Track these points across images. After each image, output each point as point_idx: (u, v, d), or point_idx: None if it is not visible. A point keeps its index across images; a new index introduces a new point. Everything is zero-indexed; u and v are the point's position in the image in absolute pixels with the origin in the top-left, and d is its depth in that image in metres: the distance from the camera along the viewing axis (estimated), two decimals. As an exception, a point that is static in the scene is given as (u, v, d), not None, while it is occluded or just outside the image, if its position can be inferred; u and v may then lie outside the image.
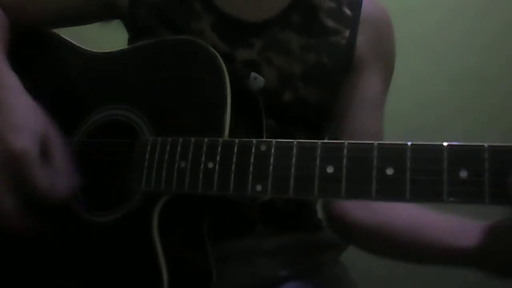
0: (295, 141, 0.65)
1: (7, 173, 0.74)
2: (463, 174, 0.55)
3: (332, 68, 0.92)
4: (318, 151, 0.63)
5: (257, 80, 0.86)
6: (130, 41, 0.99)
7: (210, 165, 0.70)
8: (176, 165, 0.72)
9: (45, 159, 0.75)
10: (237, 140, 0.69)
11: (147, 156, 0.75)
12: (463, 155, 0.56)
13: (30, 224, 0.77)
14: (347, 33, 0.93)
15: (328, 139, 0.98)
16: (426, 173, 0.57)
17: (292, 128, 0.92)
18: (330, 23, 0.93)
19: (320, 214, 1.03)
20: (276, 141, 0.67)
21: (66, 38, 0.96)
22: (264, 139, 0.68)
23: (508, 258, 0.67)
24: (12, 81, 0.83)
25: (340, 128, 0.95)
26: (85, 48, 0.93)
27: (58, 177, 0.76)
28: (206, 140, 0.71)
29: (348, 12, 0.95)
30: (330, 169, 0.62)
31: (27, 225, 0.76)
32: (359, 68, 0.95)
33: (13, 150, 0.72)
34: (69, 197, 0.77)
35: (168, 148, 0.74)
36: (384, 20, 0.98)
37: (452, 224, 0.76)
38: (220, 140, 0.70)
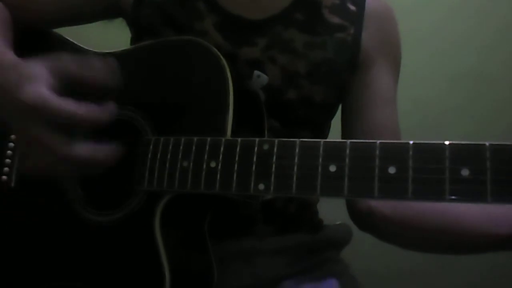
0: (297, 140, 0.65)
1: (38, 126, 0.68)
2: (465, 172, 0.55)
3: (339, 64, 0.92)
4: (321, 150, 0.63)
5: (260, 78, 0.87)
6: (133, 40, 0.99)
7: (213, 164, 0.70)
8: (179, 164, 0.72)
9: (70, 89, 0.69)
10: (239, 139, 0.69)
11: (150, 156, 0.75)
12: (465, 154, 0.56)
13: (102, 152, 0.70)
14: (352, 29, 0.94)
15: (342, 137, 0.99)
16: (428, 172, 0.57)
17: (295, 127, 0.92)
18: (334, 19, 0.93)
19: (320, 214, 1.03)
20: (278, 140, 0.67)
21: (67, 38, 0.96)
22: (266, 138, 0.68)
23: None
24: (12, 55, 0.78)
25: (355, 125, 0.96)
26: (87, 48, 0.93)
27: (91, 111, 0.69)
28: (208, 139, 0.71)
29: (352, 8, 0.95)
30: (332, 168, 0.62)
31: (98, 155, 0.70)
32: (367, 64, 0.95)
33: (29, 104, 0.67)
34: (112, 115, 0.70)
35: (170, 147, 0.74)
36: (388, 15, 0.99)
37: (490, 211, 0.77)
38: (223, 139, 0.71)
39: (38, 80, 0.68)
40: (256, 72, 0.87)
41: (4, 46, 0.83)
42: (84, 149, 0.69)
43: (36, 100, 0.67)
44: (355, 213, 0.96)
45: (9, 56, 0.78)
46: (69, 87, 0.70)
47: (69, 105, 0.67)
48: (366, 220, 0.93)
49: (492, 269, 1.57)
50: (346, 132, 0.98)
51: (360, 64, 0.95)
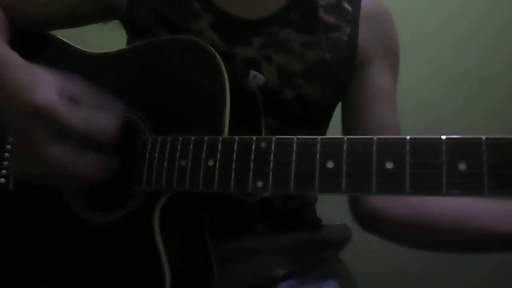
0: (295, 137, 0.66)
1: (40, 130, 0.69)
2: (462, 166, 0.55)
3: (334, 64, 0.92)
4: (318, 147, 0.63)
5: (256, 78, 0.86)
6: (129, 41, 0.99)
7: (211, 163, 0.70)
8: (177, 163, 0.72)
9: (74, 103, 0.71)
10: (237, 138, 0.69)
11: (148, 156, 0.75)
12: (462, 148, 0.56)
13: (92, 164, 0.72)
14: (348, 29, 0.94)
15: (343, 134, 0.99)
16: (426, 167, 0.57)
17: (292, 126, 0.92)
18: (330, 19, 0.93)
19: (320, 214, 1.03)
20: (276, 138, 0.67)
21: (63, 39, 0.96)
22: (264, 136, 0.68)
23: None
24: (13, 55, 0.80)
25: (356, 123, 0.96)
26: (83, 49, 0.93)
27: (95, 114, 0.71)
28: (206, 138, 0.71)
29: (348, 7, 0.95)
30: (330, 165, 0.62)
31: (88, 166, 0.72)
32: (365, 63, 0.95)
33: (37, 105, 0.68)
34: (114, 132, 0.72)
35: (168, 147, 0.74)
36: (384, 13, 0.99)
37: (500, 210, 0.77)
38: (220, 138, 0.71)
39: (50, 85, 0.70)
40: (253, 72, 0.87)
41: (10, 49, 0.83)
42: (79, 165, 0.71)
43: (47, 103, 0.68)
44: (358, 213, 0.95)
45: (19, 58, 0.79)
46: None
47: (75, 118, 0.69)
48: (374, 222, 0.93)
49: (492, 269, 1.56)
50: (347, 130, 0.99)
51: (358, 63, 0.95)
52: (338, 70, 0.93)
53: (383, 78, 0.96)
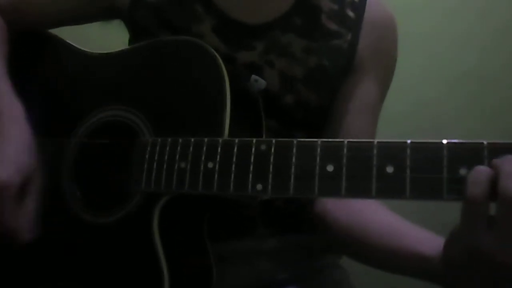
0: (294, 140, 0.65)
1: None
2: (463, 171, 0.55)
3: (333, 71, 0.92)
4: (318, 150, 0.63)
5: (258, 82, 0.86)
6: (131, 41, 0.99)
7: (210, 165, 0.70)
8: (176, 165, 0.72)
9: (20, 196, 0.77)
10: (237, 140, 0.69)
11: (147, 157, 0.75)
12: (463, 153, 0.56)
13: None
14: (349, 36, 0.93)
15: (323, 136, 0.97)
16: (426, 171, 0.57)
17: (293, 129, 0.92)
18: (332, 26, 0.92)
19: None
20: (276, 141, 0.67)
21: (65, 39, 0.96)
22: (264, 139, 0.68)
23: (460, 269, 0.59)
24: (11, 106, 0.84)
25: (335, 128, 0.94)
26: (84, 49, 0.93)
27: (23, 221, 0.77)
28: (206, 140, 0.71)
29: (351, 14, 0.93)
30: (330, 168, 0.62)
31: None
32: (359, 71, 0.94)
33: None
34: (24, 242, 0.78)
35: (168, 148, 0.74)
36: (388, 23, 0.97)
37: (418, 233, 0.73)
38: (220, 140, 0.70)
39: (15, 168, 0.76)
40: (254, 77, 0.87)
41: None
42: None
43: (3, 186, 0.75)
44: (313, 213, 0.91)
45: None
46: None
47: (6, 214, 0.75)
48: (320, 222, 0.90)
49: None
50: (327, 134, 0.95)
51: (353, 70, 0.93)
52: (336, 76, 0.93)
53: (371, 90, 0.95)
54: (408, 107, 1.76)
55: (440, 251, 0.63)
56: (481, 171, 0.54)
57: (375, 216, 0.81)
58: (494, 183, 0.53)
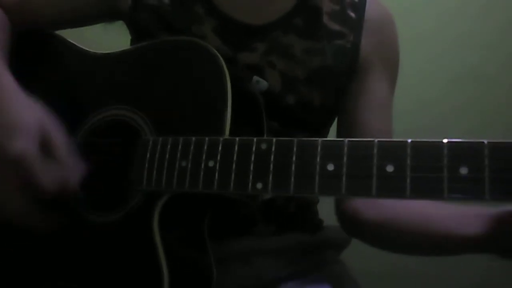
0: (295, 139, 0.65)
1: (11, 176, 0.74)
2: (463, 170, 0.55)
3: (338, 71, 0.92)
4: (319, 149, 0.63)
5: (259, 83, 0.86)
6: (132, 42, 0.99)
7: (211, 163, 0.70)
8: (177, 164, 0.72)
9: (46, 154, 0.74)
10: (237, 139, 0.69)
11: (148, 156, 0.75)
12: (463, 152, 0.56)
13: (40, 221, 0.78)
14: (351, 36, 0.93)
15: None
16: (427, 170, 0.57)
17: (294, 130, 0.92)
18: (334, 26, 0.93)
19: (320, 214, 1.03)
20: (276, 139, 0.67)
21: (67, 39, 0.96)
22: (264, 138, 0.68)
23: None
24: (6, 81, 0.82)
25: (350, 129, 0.96)
26: (86, 49, 0.93)
27: (61, 172, 0.74)
28: (207, 139, 0.71)
29: (352, 14, 0.94)
30: (330, 167, 0.62)
31: (37, 223, 0.78)
32: (365, 71, 0.95)
33: (11, 155, 0.72)
34: (76, 190, 0.76)
35: (169, 147, 0.74)
36: (387, 22, 0.98)
37: (458, 213, 0.77)
38: (221, 138, 0.71)
39: (29, 134, 0.74)
40: (255, 78, 0.87)
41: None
42: (30, 220, 0.77)
43: (23, 155, 0.72)
44: (342, 217, 0.95)
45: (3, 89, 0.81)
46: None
47: (46, 177, 0.73)
48: (352, 224, 0.93)
49: (492, 269, 1.56)
50: (341, 134, 0.98)
51: (358, 70, 0.94)
52: (340, 77, 0.93)
53: (380, 87, 0.96)
54: (408, 107, 1.76)
55: (486, 228, 0.71)
56: None
57: (408, 204, 0.83)
58: None
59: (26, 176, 0.73)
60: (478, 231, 0.72)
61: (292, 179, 0.64)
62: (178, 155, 0.73)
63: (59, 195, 0.74)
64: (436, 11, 1.88)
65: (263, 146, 0.67)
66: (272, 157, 0.66)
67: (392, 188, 0.58)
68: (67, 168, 0.75)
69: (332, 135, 1.00)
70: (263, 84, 0.87)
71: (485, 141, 0.55)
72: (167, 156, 0.74)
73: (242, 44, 0.90)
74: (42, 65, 0.95)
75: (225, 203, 0.78)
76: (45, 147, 0.74)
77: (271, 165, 0.66)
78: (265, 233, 0.93)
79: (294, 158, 0.64)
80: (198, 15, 0.91)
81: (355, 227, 0.93)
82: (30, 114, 0.77)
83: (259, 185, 0.66)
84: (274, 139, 0.67)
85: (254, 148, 0.67)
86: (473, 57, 1.87)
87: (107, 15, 0.98)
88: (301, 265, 0.94)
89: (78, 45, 0.95)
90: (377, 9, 0.97)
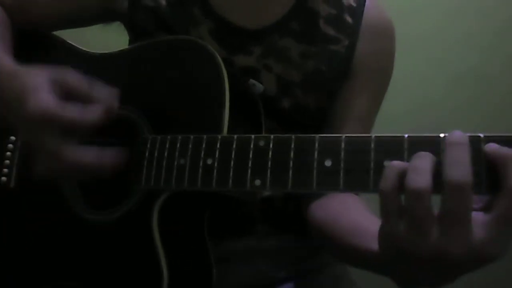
0: (293, 135, 0.66)
1: (48, 134, 0.70)
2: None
3: (330, 76, 0.91)
4: (316, 145, 0.63)
5: (255, 86, 0.86)
6: (131, 43, 0.99)
7: (209, 161, 0.70)
8: (176, 162, 0.73)
9: (68, 98, 0.71)
10: (235, 136, 0.69)
11: (147, 154, 0.76)
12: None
13: (98, 158, 0.72)
14: (346, 41, 0.92)
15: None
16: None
17: (291, 131, 0.91)
18: (330, 31, 0.92)
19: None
20: (274, 136, 0.67)
21: (65, 39, 0.97)
22: (262, 135, 0.68)
23: (393, 260, 0.58)
24: (7, 61, 0.81)
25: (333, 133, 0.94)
26: (85, 49, 0.93)
27: (91, 104, 0.71)
28: (205, 137, 0.71)
29: (349, 19, 0.92)
30: (328, 163, 0.62)
31: (95, 159, 0.72)
32: (356, 77, 0.93)
33: (35, 115, 0.69)
34: (112, 113, 0.72)
35: (167, 145, 0.74)
36: (385, 29, 0.96)
37: (370, 225, 0.69)
38: (219, 136, 0.71)
39: (40, 90, 0.70)
40: (251, 81, 0.87)
41: (3, 52, 0.83)
42: (90, 155, 0.71)
43: (41, 111, 0.68)
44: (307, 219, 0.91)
45: (9, 62, 0.80)
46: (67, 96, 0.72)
47: (72, 112, 0.69)
48: (309, 222, 0.89)
49: (492, 269, 1.55)
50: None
51: (350, 75, 0.93)
52: (333, 82, 0.92)
53: (360, 101, 0.94)
54: (408, 107, 1.76)
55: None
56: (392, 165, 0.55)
57: (345, 214, 0.80)
58: (402, 177, 0.54)
59: (56, 127, 0.69)
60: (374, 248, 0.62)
61: (290, 175, 0.64)
62: (177, 153, 0.73)
63: (101, 122, 0.71)
64: (436, 11, 1.89)
65: (261, 143, 0.67)
66: (270, 153, 0.66)
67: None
68: (95, 98, 0.72)
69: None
70: (259, 87, 0.87)
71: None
72: (166, 154, 0.74)
73: (238, 47, 0.90)
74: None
75: (224, 201, 0.78)
76: (67, 94, 0.72)
77: (269, 162, 0.66)
78: (264, 233, 0.93)
79: (292, 155, 0.64)
80: (195, 17, 0.91)
81: (310, 225, 0.89)
82: (36, 73, 0.74)
83: (258, 182, 0.66)
84: (272, 136, 0.67)
85: (252, 145, 0.68)
86: (473, 57, 1.87)
87: (105, 17, 0.99)
88: (300, 265, 0.94)
89: (76, 45, 0.95)
90: (376, 15, 0.94)
